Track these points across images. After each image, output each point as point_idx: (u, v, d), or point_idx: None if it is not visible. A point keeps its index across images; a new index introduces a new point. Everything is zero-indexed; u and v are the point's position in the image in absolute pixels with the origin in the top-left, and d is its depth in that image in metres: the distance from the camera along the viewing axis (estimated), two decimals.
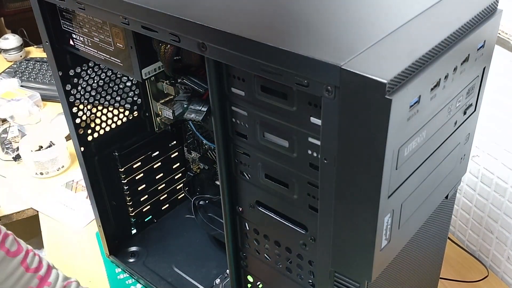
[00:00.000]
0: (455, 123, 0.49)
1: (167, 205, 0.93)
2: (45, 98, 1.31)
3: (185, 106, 0.60)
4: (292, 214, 0.50)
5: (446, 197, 0.55)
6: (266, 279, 0.58)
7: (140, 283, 0.82)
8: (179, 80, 0.60)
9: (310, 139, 0.44)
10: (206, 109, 0.56)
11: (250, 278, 0.60)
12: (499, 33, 0.72)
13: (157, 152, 0.86)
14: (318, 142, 0.42)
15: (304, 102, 0.42)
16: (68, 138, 1.15)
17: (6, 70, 1.43)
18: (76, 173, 1.07)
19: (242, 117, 0.49)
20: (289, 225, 0.50)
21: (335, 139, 0.39)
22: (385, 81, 0.34)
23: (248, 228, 0.56)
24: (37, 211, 0.98)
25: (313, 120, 0.43)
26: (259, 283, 0.60)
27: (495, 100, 0.75)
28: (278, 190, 0.50)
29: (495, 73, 0.71)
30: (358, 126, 0.37)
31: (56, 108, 1.27)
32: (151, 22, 0.48)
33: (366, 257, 0.42)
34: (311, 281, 0.52)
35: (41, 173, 1.05)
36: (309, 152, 0.45)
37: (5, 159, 1.11)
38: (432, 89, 0.40)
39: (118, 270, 0.85)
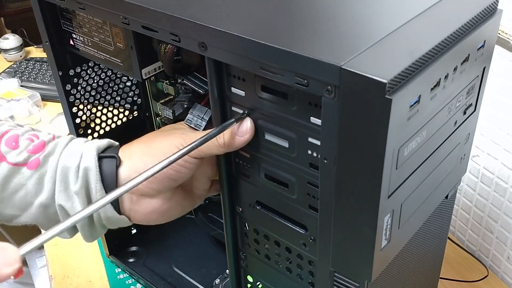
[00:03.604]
0: (455, 123, 0.49)
1: None
2: (45, 98, 1.31)
3: (185, 106, 0.60)
4: (292, 214, 0.50)
5: (446, 197, 0.56)
6: (265, 279, 0.58)
7: (140, 283, 0.82)
8: (179, 81, 0.59)
9: (310, 139, 0.44)
10: (208, 118, 0.56)
11: (250, 278, 0.60)
12: (499, 33, 0.72)
13: None
14: (318, 142, 0.42)
15: (304, 102, 0.42)
16: None
17: (6, 70, 1.43)
18: None
19: None
20: (289, 225, 0.51)
21: (335, 139, 0.39)
22: (385, 80, 0.34)
23: (248, 228, 0.56)
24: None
25: (313, 120, 0.43)
26: (258, 283, 0.60)
27: (495, 100, 0.75)
28: (278, 190, 0.50)
29: (495, 73, 0.71)
30: (358, 125, 0.37)
31: (56, 108, 1.27)
32: (151, 22, 0.48)
33: (366, 257, 0.42)
34: (310, 281, 0.52)
35: None
36: (309, 152, 0.45)
37: None
38: (432, 88, 0.40)
39: (118, 270, 0.85)
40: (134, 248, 0.87)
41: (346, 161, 0.39)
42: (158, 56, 0.57)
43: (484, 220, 0.84)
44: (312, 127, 0.43)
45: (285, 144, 0.46)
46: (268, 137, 0.48)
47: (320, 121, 0.40)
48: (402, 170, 0.41)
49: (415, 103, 0.38)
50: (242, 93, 0.47)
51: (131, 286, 0.82)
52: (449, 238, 0.70)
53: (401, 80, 0.36)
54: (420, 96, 0.39)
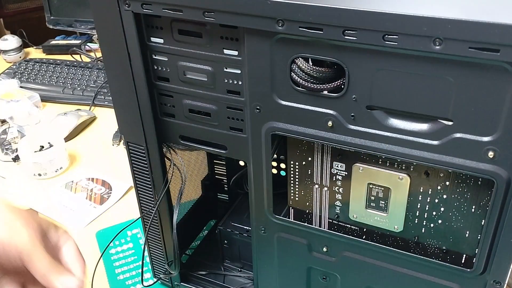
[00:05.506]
0: None
1: None
2: (44, 99, 1.31)
3: None
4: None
5: None
6: None
7: None
8: None
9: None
10: None
11: None
12: None
13: None
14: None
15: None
16: (67, 139, 1.15)
17: (6, 71, 1.43)
18: (75, 174, 1.07)
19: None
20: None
21: None
22: None
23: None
24: (37, 212, 0.98)
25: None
26: None
27: None
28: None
29: None
30: None
31: (56, 109, 1.27)
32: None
33: None
34: None
35: (39, 174, 1.05)
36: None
37: (4, 160, 1.11)
38: None
39: (118, 270, 0.85)
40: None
41: None
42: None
43: None
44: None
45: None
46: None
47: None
48: None
49: None
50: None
51: (131, 287, 0.82)
52: None
53: None
54: None
